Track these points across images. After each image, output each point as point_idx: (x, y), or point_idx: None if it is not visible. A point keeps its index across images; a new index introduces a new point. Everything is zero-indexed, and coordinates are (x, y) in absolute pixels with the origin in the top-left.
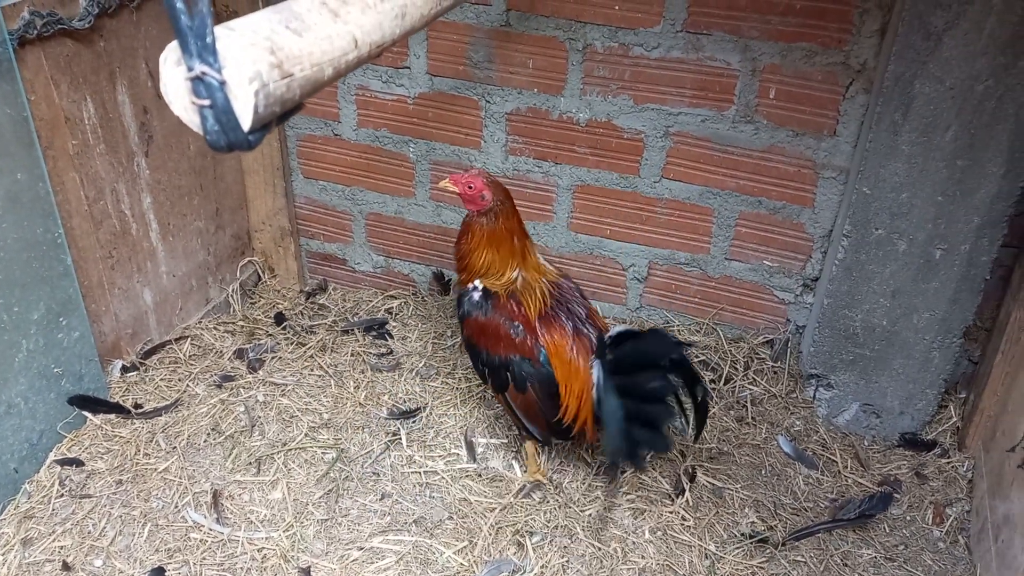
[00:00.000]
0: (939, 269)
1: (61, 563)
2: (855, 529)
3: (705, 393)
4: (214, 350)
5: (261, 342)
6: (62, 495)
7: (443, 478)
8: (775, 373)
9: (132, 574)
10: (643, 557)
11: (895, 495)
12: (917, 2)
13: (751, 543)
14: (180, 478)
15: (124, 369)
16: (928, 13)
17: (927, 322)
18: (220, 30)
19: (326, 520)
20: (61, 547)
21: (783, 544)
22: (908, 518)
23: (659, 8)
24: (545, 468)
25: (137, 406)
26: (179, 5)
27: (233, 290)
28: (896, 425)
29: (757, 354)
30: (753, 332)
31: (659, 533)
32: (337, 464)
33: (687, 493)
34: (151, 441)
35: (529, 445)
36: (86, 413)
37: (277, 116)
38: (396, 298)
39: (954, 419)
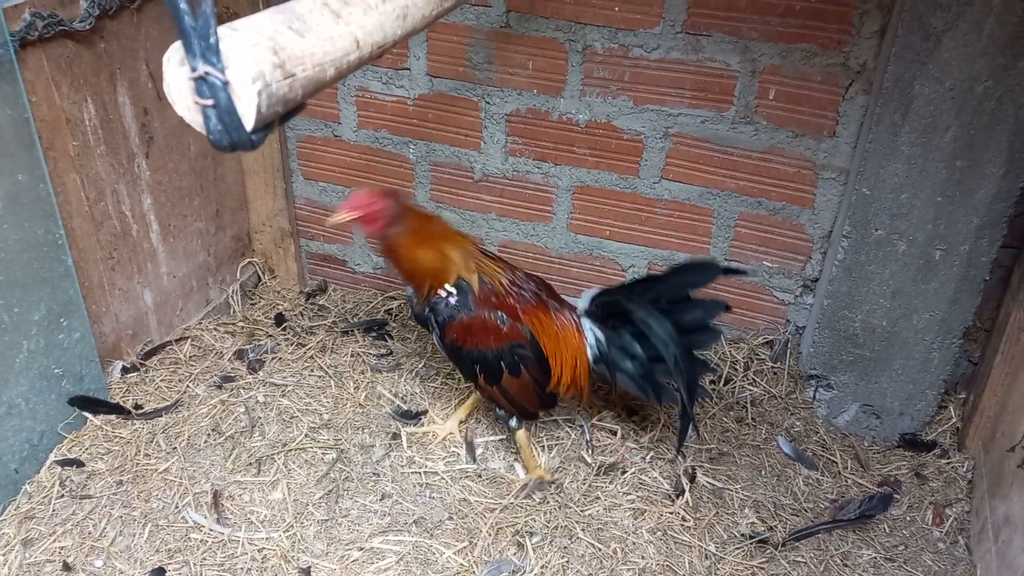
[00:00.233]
0: (939, 270)
1: (62, 563)
2: (855, 530)
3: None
4: (214, 351)
5: (261, 343)
6: (62, 496)
7: (443, 479)
8: (775, 374)
9: (132, 574)
10: (643, 558)
11: (895, 496)
12: (917, 3)
13: (751, 544)
14: (180, 479)
15: (124, 370)
16: (928, 14)
17: (927, 323)
18: (223, 30)
19: (326, 520)
20: (61, 547)
21: (783, 545)
22: (908, 519)
23: (659, 9)
24: (547, 466)
25: (137, 407)
26: (183, 6)
27: (233, 291)
28: (896, 426)
29: (757, 355)
30: (753, 333)
31: (659, 534)
32: (337, 464)
33: (687, 494)
34: (151, 442)
35: (522, 435)
36: (86, 414)
37: (279, 116)
38: (396, 299)
39: (954, 420)
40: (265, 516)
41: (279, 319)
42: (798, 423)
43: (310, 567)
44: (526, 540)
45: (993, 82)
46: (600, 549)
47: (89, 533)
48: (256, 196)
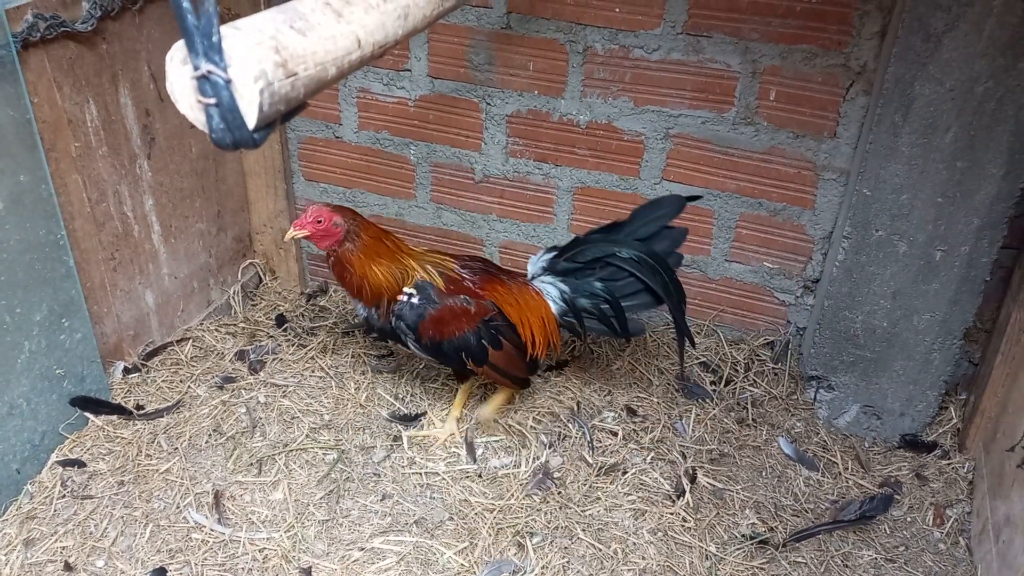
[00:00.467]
0: (939, 270)
1: (63, 563)
2: (856, 530)
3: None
4: (215, 352)
5: (262, 344)
6: (64, 496)
7: (444, 479)
8: (776, 375)
9: (134, 574)
10: (643, 558)
11: (896, 496)
12: (917, 4)
13: (752, 544)
14: (182, 479)
15: (126, 370)
16: (928, 15)
17: (927, 323)
18: (226, 29)
19: (327, 521)
20: (63, 547)
21: (784, 545)
22: (909, 519)
23: (659, 10)
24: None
25: (139, 407)
26: (185, 5)
27: (234, 292)
28: (897, 426)
29: (758, 356)
30: (753, 334)
31: (659, 534)
32: (338, 465)
33: (688, 494)
34: (153, 442)
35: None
36: (88, 414)
37: (282, 114)
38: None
39: (954, 420)
40: (266, 516)
41: (280, 320)
42: (799, 424)
43: (311, 567)
44: (527, 540)
45: (993, 83)
46: (601, 549)
47: (90, 533)
48: (257, 197)
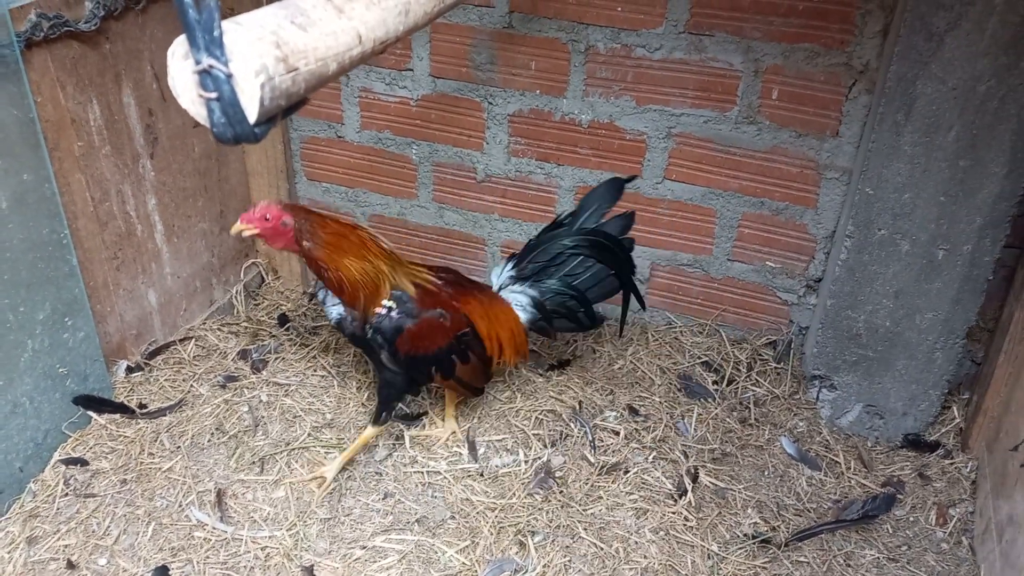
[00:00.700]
0: (942, 269)
1: (66, 561)
2: (858, 530)
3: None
4: (218, 351)
5: (264, 343)
6: (67, 494)
7: (445, 478)
8: (778, 374)
9: (136, 573)
10: (645, 557)
11: (898, 496)
12: (919, 3)
13: (754, 544)
14: (184, 477)
15: (129, 369)
16: (930, 14)
17: (930, 323)
18: (227, 24)
19: (329, 519)
20: (65, 546)
21: (786, 545)
22: (911, 519)
23: (661, 9)
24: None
25: (142, 406)
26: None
27: (237, 291)
28: (899, 426)
29: (760, 355)
30: (756, 333)
31: (661, 533)
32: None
33: (690, 494)
34: (155, 441)
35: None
36: (91, 413)
37: (282, 110)
38: None
39: (957, 420)
40: (268, 515)
41: (282, 319)
42: (801, 423)
43: (313, 565)
44: (528, 539)
45: (996, 82)
46: (602, 548)
47: (93, 531)
48: (260, 197)
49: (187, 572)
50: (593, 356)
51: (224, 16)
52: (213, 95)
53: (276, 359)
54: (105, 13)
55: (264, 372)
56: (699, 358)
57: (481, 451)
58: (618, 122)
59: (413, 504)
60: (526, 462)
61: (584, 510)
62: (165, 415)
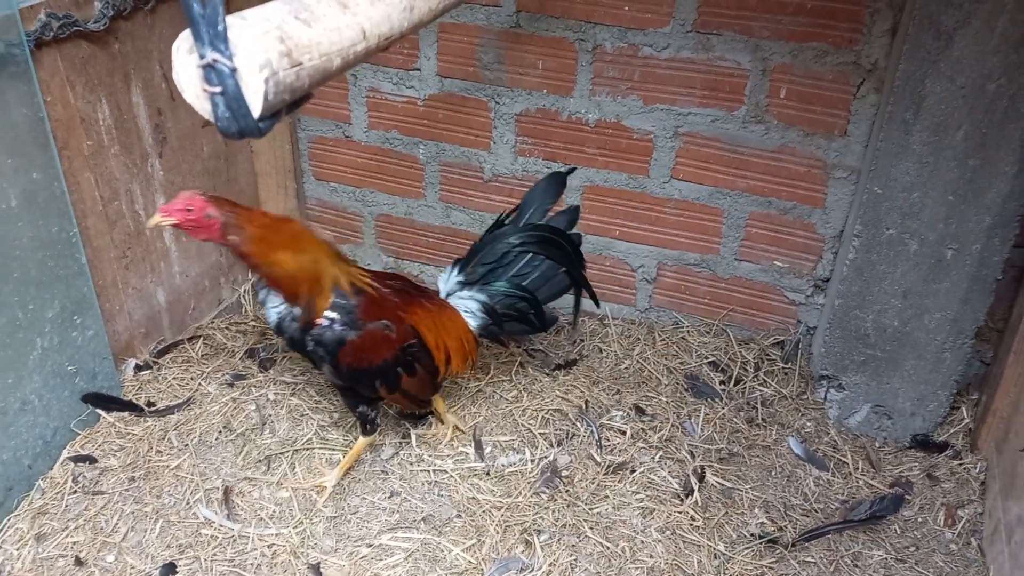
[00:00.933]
0: (950, 269)
1: (74, 558)
2: (866, 530)
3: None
4: (226, 349)
5: (272, 342)
6: (75, 491)
7: (452, 477)
8: (786, 374)
9: (144, 569)
10: (651, 556)
11: (906, 496)
12: (928, 1)
13: (761, 543)
14: (192, 475)
15: (137, 367)
16: (939, 12)
17: (938, 323)
18: (231, 19)
19: (335, 517)
20: (74, 542)
21: (793, 545)
22: (920, 520)
23: (669, 8)
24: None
25: (150, 404)
26: None
27: (245, 291)
28: (908, 426)
29: (768, 355)
30: (763, 333)
31: (668, 533)
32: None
33: (696, 493)
34: (163, 439)
35: (363, 443)
36: (100, 411)
37: (287, 104)
38: None
39: (966, 420)
40: (275, 512)
41: None
42: (809, 424)
43: (319, 563)
44: (534, 538)
45: (1005, 80)
46: (608, 548)
47: (101, 528)
48: (268, 197)
49: (194, 569)
50: (600, 356)
51: (229, 10)
52: (217, 89)
53: (283, 358)
54: (114, 13)
55: (271, 371)
56: (706, 358)
57: (487, 450)
58: (625, 121)
59: (419, 502)
60: (532, 461)
61: (590, 509)
62: (173, 413)
